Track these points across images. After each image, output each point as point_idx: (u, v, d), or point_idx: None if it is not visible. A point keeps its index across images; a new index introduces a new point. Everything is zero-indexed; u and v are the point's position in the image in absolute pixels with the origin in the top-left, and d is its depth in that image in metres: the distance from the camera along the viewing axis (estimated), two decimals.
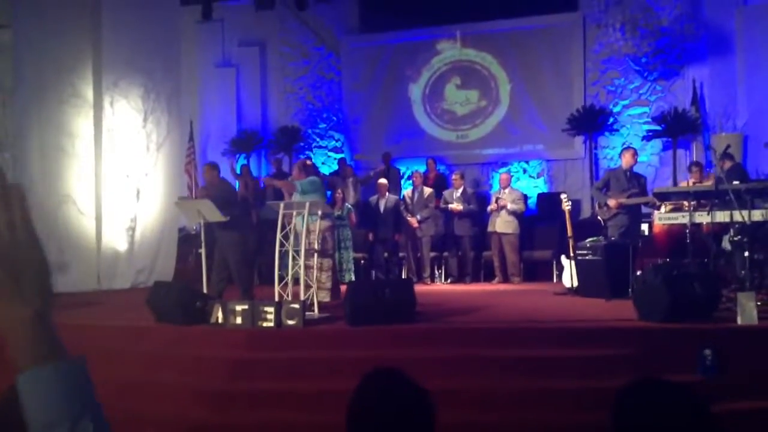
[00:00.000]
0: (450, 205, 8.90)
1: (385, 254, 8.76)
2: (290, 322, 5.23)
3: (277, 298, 5.70)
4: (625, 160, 7.34)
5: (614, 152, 10.30)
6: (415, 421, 1.56)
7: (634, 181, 7.15)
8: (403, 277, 8.73)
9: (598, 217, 7.27)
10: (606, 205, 7.10)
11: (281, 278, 5.95)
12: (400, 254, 9.14)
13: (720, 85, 10.17)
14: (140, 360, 5.15)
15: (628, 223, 7.01)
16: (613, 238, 6.85)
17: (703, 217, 6.23)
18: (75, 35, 8.78)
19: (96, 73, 8.98)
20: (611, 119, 10.64)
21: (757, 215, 6.06)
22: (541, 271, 9.06)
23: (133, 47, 9.13)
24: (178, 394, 4.70)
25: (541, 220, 9.70)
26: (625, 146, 9.08)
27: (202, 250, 6.56)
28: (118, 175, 9.13)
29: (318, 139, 12.13)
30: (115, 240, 9.10)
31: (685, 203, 6.42)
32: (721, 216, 6.12)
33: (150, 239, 9.35)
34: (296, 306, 5.28)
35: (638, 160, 10.35)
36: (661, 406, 1.43)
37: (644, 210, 7.70)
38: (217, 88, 12.07)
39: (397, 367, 1.65)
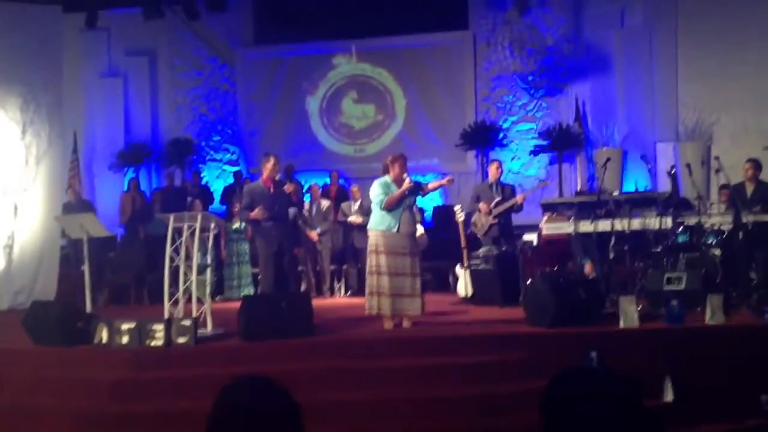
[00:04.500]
0: (349, 218, 8.89)
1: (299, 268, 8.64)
2: (181, 340, 5.03)
3: (167, 316, 5.48)
4: (491, 173, 7.69)
5: (504, 166, 10.64)
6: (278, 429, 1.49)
7: (503, 191, 7.46)
8: (302, 290, 8.62)
9: (477, 235, 7.51)
10: (477, 215, 7.39)
11: (171, 295, 5.72)
12: (299, 268, 9.03)
13: (601, 101, 10.75)
14: (16, 385, 4.80)
15: (499, 233, 7.29)
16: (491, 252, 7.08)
17: (585, 226, 6.52)
18: None
19: None
20: (501, 134, 11.02)
21: (636, 224, 6.43)
22: (438, 282, 9.19)
23: (11, 55, 8.61)
24: (58, 419, 4.41)
25: (437, 232, 9.86)
26: (489, 160, 9.40)
27: (86, 267, 6.21)
28: None
29: (212, 152, 11.85)
30: None
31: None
32: (603, 225, 6.44)
33: (29, 258, 8.78)
34: (187, 323, 5.09)
35: (527, 173, 10.88)
36: (592, 396, 1.43)
37: (527, 219, 8.04)
38: (104, 99, 11.57)
39: (262, 375, 1.57)
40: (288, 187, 6.68)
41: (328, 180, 10.33)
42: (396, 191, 5.60)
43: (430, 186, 5.93)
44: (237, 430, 1.47)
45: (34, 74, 8.89)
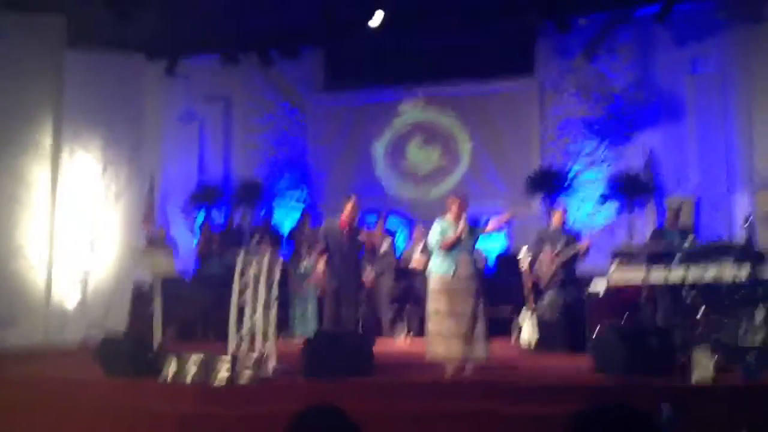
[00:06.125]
0: (411, 264, 8.88)
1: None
2: (246, 375, 5.10)
3: (232, 351, 5.58)
4: (555, 220, 7.57)
5: (570, 214, 10.48)
6: None
7: (567, 238, 7.33)
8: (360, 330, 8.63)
9: (540, 284, 7.39)
10: (540, 262, 7.27)
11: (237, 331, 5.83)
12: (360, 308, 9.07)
13: (672, 149, 10.52)
14: (88, 413, 4.94)
15: (563, 281, 7.18)
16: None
17: (657, 276, 6.34)
18: (36, 85, 8.72)
19: (56, 122, 8.89)
20: (567, 181, 10.88)
21: (710, 275, 6.22)
22: (501, 329, 9.04)
23: (95, 98, 9.09)
24: None
25: (501, 278, 9.75)
26: (552, 207, 9.23)
27: (156, 302, 6.40)
28: (73, 227, 8.95)
29: (281, 194, 12.13)
30: (67, 293, 8.85)
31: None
32: (676, 274, 6.25)
33: (103, 292, 9.11)
34: (252, 359, 5.17)
35: (594, 222, 10.68)
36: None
37: (594, 268, 7.87)
38: (180, 142, 12.04)
39: (331, 404, 1.61)
40: (363, 236, 6.73)
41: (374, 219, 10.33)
42: (452, 233, 5.60)
43: (491, 225, 5.86)
44: None
45: (116, 117, 9.36)
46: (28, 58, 8.67)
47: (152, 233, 10.18)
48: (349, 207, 6.57)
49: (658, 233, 7.29)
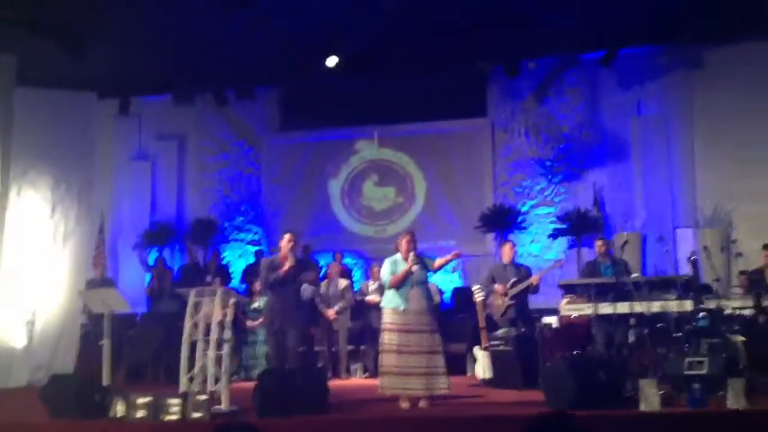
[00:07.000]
0: (367, 297, 8.91)
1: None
2: (196, 416, 5.01)
3: (182, 390, 5.47)
4: (505, 254, 7.68)
5: (523, 249, 10.67)
6: None
7: (517, 272, 7.45)
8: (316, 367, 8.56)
9: (494, 317, 7.48)
10: (493, 296, 7.37)
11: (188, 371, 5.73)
12: (316, 348, 9.01)
13: (619, 187, 10.87)
14: None
15: (516, 315, 7.26)
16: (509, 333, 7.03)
17: (605, 309, 6.49)
18: None
19: (5, 161, 8.73)
20: (520, 218, 11.12)
21: (656, 307, 6.40)
22: (456, 364, 9.07)
23: (45, 137, 8.99)
24: None
25: (456, 313, 9.84)
26: (502, 241, 9.38)
27: (105, 342, 6.27)
28: (21, 267, 8.73)
29: (235, 232, 12.06)
30: (12, 334, 8.59)
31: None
32: (623, 307, 6.41)
33: (51, 334, 8.87)
34: (203, 398, 5.08)
35: (546, 257, 10.87)
36: None
37: (546, 302, 8.01)
38: (132, 181, 11.93)
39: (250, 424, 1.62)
40: (310, 275, 6.69)
41: (330, 259, 10.37)
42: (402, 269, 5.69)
43: (438, 262, 5.92)
44: None
45: (66, 156, 9.24)
46: None
47: (102, 272, 9.99)
48: (283, 242, 6.60)
49: (592, 264, 7.49)
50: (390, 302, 5.70)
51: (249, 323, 8.83)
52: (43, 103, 9.01)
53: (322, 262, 11.04)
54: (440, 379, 5.56)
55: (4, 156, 8.73)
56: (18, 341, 8.60)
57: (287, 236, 6.66)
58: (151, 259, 11.35)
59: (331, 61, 10.17)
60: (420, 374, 5.52)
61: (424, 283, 5.80)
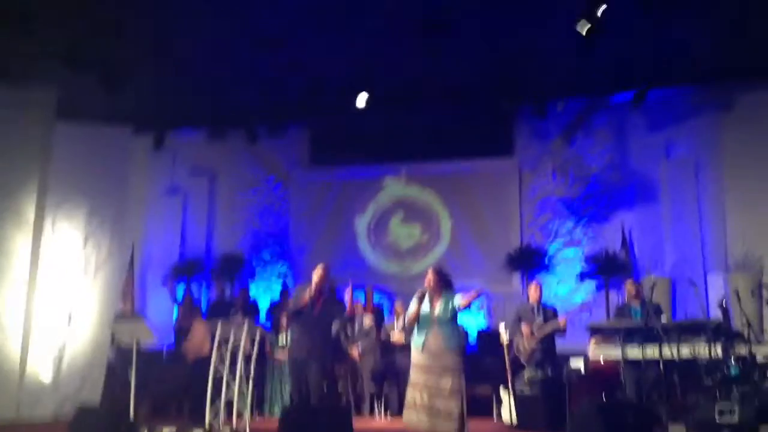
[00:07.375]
0: (392, 337, 8.87)
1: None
2: None
3: (208, 426, 5.49)
4: (531, 295, 7.63)
5: (549, 290, 10.57)
6: None
7: (545, 313, 7.39)
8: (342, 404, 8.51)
9: (521, 359, 7.41)
10: (519, 338, 7.30)
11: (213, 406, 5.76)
12: (339, 384, 8.97)
13: (647, 230, 10.75)
14: None
15: (542, 357, 7.16)
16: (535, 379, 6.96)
17: (634, 352, 6.40)
18: (23, 155, 8.81)
19: (41, 193, 8.94)
20: (547, 259, 11.04)
21: (685, 352, 6.30)
22: (482, 406, 8.95)
23: (81, 169, 9.16)
24: None
25: (482, 355, 9.73)
26: (528, 282, 9.33)
27: (132, 374, 6.33)
28: (52, 298, 8.86)
29: (262, 267, 12.15)
30: (41, 366, 8.67)
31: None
32: (651, 350, 6.32)
33: (78, 366, 8.92)
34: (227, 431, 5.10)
35: (573, 299, 10.76)
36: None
37: (574, 345, 7.89)
38: (164, 215, 12.10)
39: None
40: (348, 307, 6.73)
41: (362, 296, 10.37)
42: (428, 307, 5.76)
43: (462, 302, 5.89)
44: None
45: (101, 189, 9.40)
46: (17, 130, 8.79)
47: (131, 306, 10.09)
48: (317, 275, 6.60)
49: (622, 309, 7.41)
50: (414, 340, 5.78)
51: (278, 357, 8.82)
52: (80, 137, 9.21)
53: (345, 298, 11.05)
54: (450, 423, 5.47)
55: (40, 188, 8.94)
56: (47, 373, 8.67)
57: (320, 267, 6.66)
58: (179, 293, 11.46)
59: (361, 100, 10.29)
60: (438, 415, 5.52)
61: (447, 322, 5.76)
